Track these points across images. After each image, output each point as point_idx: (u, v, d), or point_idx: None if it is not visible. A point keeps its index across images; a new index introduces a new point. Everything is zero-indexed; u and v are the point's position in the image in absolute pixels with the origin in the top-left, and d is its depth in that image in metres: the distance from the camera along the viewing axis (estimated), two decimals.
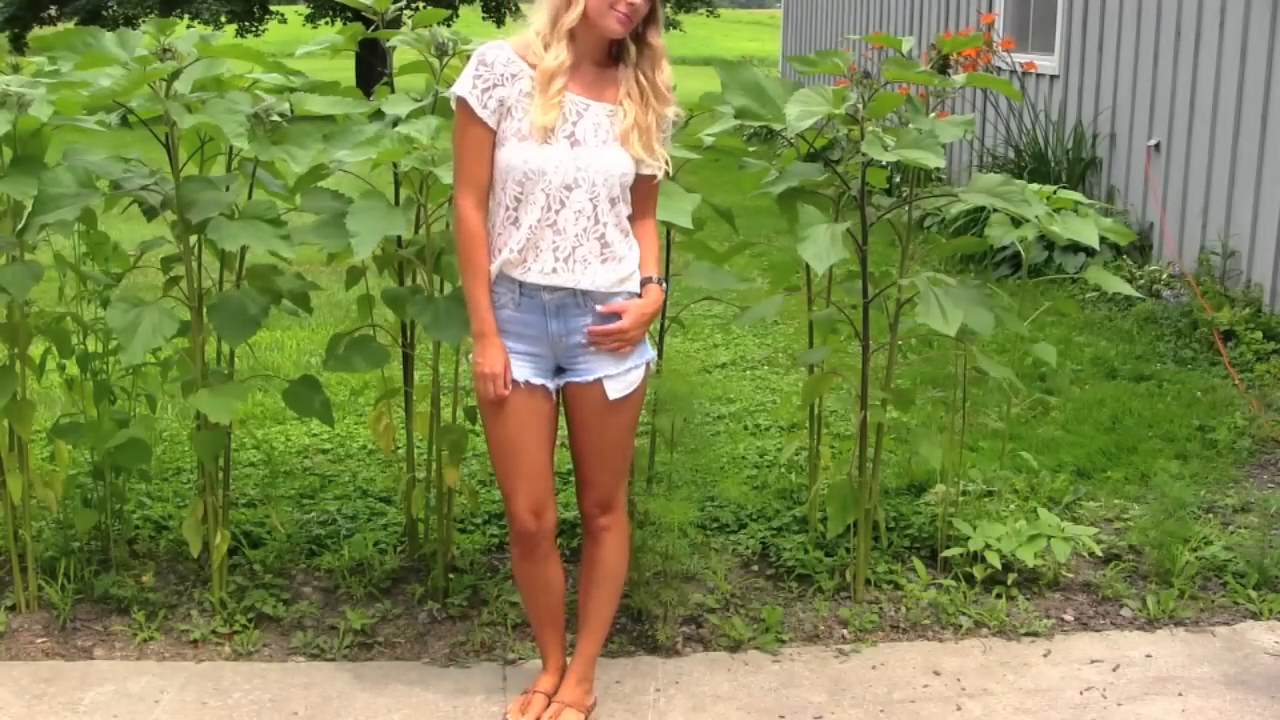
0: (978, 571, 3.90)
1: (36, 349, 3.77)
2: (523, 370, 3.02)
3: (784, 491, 4.53)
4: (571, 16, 2.89)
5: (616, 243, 2.98)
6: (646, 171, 3.03)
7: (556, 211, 2.92)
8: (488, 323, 3.00)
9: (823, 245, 3.33)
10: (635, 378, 3.06)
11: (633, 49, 2.97)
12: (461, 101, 2.95)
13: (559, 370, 3.07)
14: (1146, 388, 5.91)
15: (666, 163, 3.08)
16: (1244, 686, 3.44)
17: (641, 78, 2.97)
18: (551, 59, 2.90)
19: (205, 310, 3.53)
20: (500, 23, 21.96)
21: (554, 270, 2.94)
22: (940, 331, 3.41)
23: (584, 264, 2.95)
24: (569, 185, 2.92)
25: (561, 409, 3.12)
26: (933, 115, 3.66)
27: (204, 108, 3.31)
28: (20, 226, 3.39)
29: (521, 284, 2.97)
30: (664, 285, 3.14)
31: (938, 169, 3.54)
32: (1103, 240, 4.14)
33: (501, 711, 3.25)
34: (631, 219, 3.06)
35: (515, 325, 3.01)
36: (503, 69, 2.94)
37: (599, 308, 3.00)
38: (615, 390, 3.03)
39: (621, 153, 2.96)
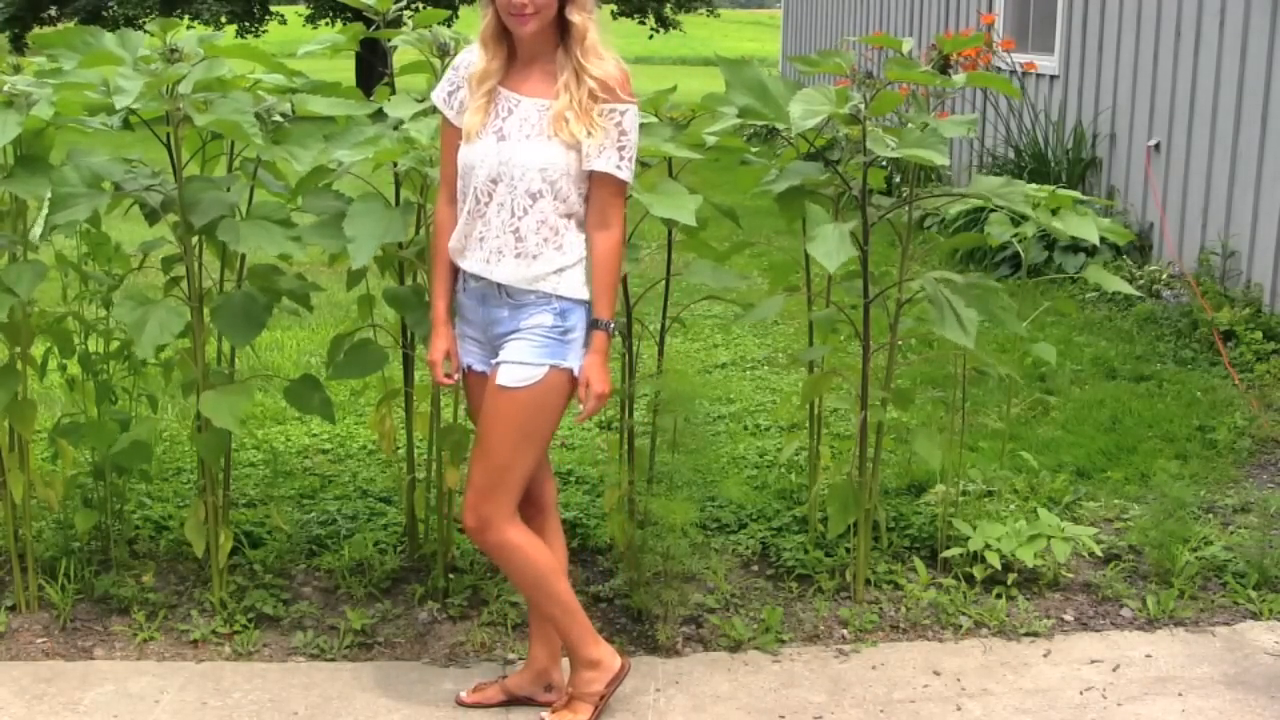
0: (978, 571, 3.90)
1: (38, 349, 3.78)
2: (469, 356, 3.15)
3: (784, 491, 4.53)
4: (485, 23, 3.01)
5: (531, 238, 2.97)
6: (589, 166, 2.95)
7: (485, 205, 3.01)
8: (436, 311, 3.17)
9: (832, 244, 3.33)
10: (531, 375, 2.96)
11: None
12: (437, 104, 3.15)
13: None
14: (1146, 388, 5.91)
15: (622, 161, 2.95)
16: (1244, 686, 3.44)
17: (574, 60, 2.94)
18: (479, 63, 3.04)
19: (207, 310, 3.54)
20: None
21: (480, 261, 3.04)
22: (960, 344, 3.41)
23: (499, 256, 3.00)
24: (494, 179, 2.99)
25: None
26: (932, 115, 3.66)
27: (211, 107, 3.31)
28: (40, 232, 3.39)
29: (465, 272, 3.09)
30: (611, 329, 3.00)
31: (939, 168, 3.55)
32: (1103, 240, 4.15)
33: (504, 712, 3.25)
34: (588, 228, 3.02)
35: (464, 310, 3.15)
36: (465, 70, 3.09)
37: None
38: (503, 377, 2.99)
39: (548, 144, 2.94)
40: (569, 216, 2.99)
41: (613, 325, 3.02)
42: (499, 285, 3.02)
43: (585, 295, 3.00)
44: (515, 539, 3.05)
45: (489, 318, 3.07)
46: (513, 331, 3.01)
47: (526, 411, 2.99)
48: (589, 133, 2.92)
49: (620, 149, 2.95)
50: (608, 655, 3.20)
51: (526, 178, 2.95)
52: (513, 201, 2.97)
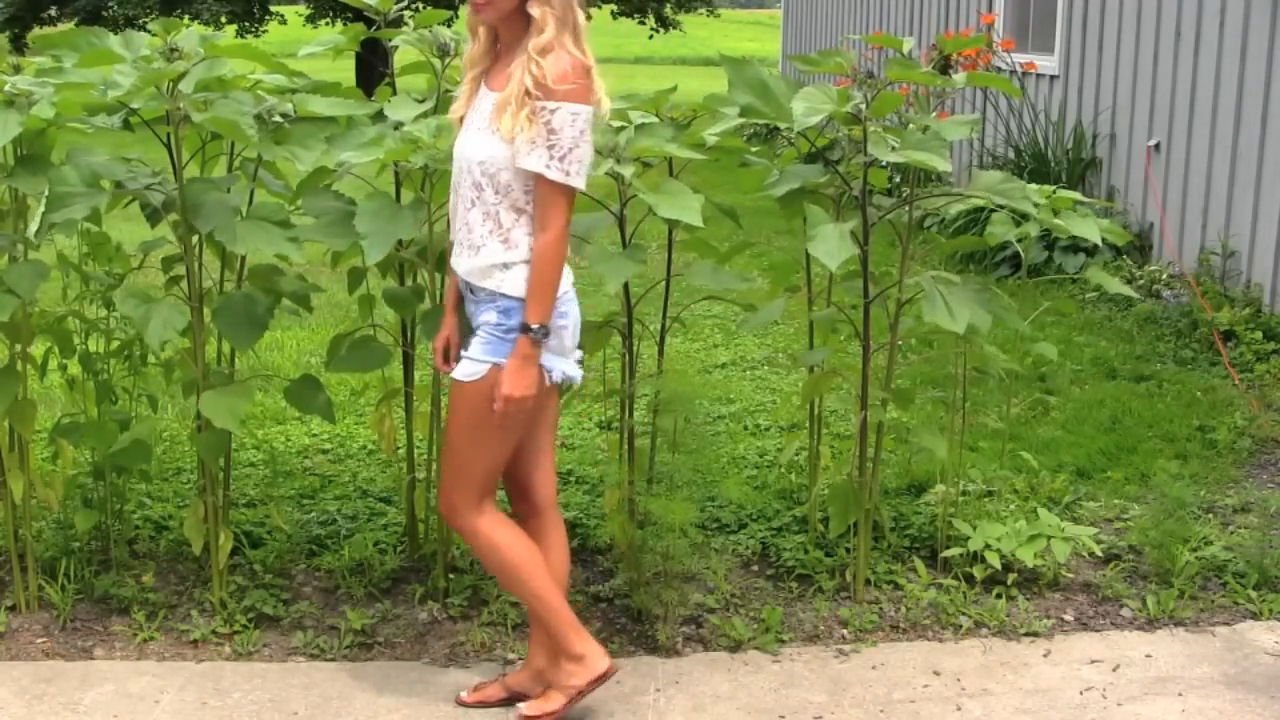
0: (978, 571, 3.90)
1: (38, 349, 3.78)
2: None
3: (784, 491, 4.53)
4: (467, 12, 3.04)
5: (477, 230, 2.99)
6: (518, 163, 2.89)
7: (456, 197, 3.07)
8: (445, 299, 3.28)
9: (832, 243, 3.33)
10: (476, 370, 2.99)
11: None
12: None
13: None
14: (1146, 388, 5.91)
15: (553, 161, 2.86)
16: (1244, 686, 3.44)
17: (526, 53, 2.89)
18: (465, 53, 3.11)
19: (207, 311, 3.53)
20: None
21: (452, 255, 3.11)
22: (948, 329, 3.42)
23: (459, 248, 3.06)
24: (458, 171, 3.05)
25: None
26: (933, 115, 3.66)
27: (212, 107, 3.32)
28: (36, 229, 3.39)
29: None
30: (535, 333, 2.93)
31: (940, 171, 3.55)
32: (1103, 240, 4.16)
33: (504, 712, 3.25)
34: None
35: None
36: None
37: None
38: (456, 371, 3.06)
39: (490, 138, 2.94)
40: (518, 212, 2.96)
41: (541, 330, 2.93)
42: (463, 279, 3.07)
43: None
44: (484, 528, 3.09)
45: (468, 311, 3.14)
46: (476, 327, 3.07)
47: (474, 406, 3.01)
48: (521, 129, 2.88)
49: (550, 148, 2.86)
50: (593, 654, 3.17)
51: (471, 170, 2.98)
52: (464, 194, 3.02)
